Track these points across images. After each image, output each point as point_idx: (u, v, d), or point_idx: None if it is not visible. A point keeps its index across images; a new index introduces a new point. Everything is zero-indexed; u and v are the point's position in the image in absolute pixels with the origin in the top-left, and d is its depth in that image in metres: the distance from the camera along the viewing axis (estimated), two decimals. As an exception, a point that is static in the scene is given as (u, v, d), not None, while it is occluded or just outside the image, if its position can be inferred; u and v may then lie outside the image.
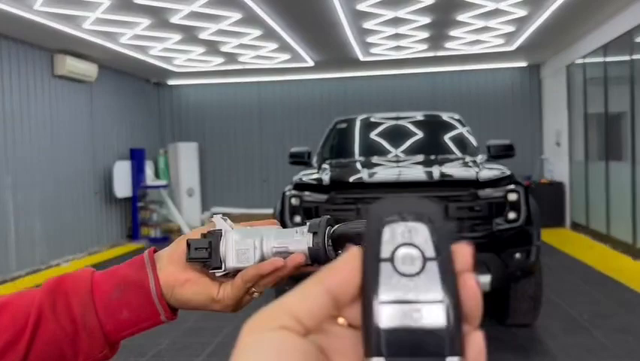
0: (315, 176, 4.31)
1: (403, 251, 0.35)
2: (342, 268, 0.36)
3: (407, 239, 0.35)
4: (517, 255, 3.85)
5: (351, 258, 0.36)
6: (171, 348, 4.07)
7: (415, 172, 4.40)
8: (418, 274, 0.35)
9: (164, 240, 9.10)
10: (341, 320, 0.37)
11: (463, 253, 0.37)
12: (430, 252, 0.35)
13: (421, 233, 0.35)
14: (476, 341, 0.36)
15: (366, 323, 0.35)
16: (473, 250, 0.37)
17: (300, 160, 5.26)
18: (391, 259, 0.35)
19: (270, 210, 9.67)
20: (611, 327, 4.27)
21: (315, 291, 0.35)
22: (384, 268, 0.35)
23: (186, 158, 10.43)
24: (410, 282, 0.35)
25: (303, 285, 0.36)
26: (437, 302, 0.34)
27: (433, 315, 0.34)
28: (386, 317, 0.34)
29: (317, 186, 4.08)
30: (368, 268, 0.35)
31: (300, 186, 4.13)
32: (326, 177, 4.18)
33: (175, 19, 6.56)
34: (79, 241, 8.01)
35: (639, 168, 6.52)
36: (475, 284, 0.36)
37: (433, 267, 0.35)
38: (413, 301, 0.34)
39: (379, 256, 0.35)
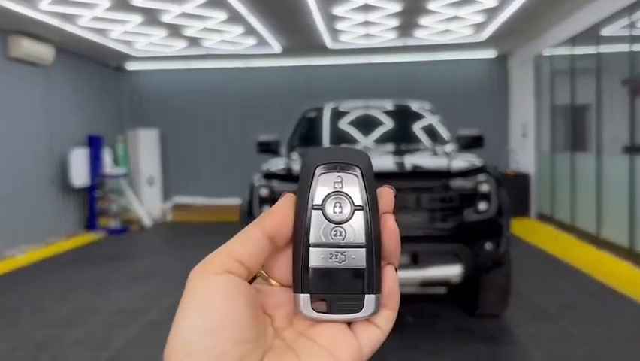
0: (285, 165, 4.20)
1: (333, 199, 0.39)
2: (278, 212, 0.39)
3: (337, 188, 0.39)
4: (488, 246, 3.84)
5: (285, 203, 0.40)
6: (135, 341, 3.91)
7: (386, 162, 4.34)
8: (345, 221, 0.38)
9: (123, 231, 8.82)
10: (274, 282, 0.42)
11: (386, 196, 0.40)
12: (359, 200, 0.38)
13: (350, 182, 0.39)
14: (390, 275, 0.40)
15: (296, 263, 0.39)
16: (394, 193, 0.41)
17: (269, 149, 5.13)
18: (322, 207, 0.38)
19: (234, 200, 9.53)
20: (576, 316, 4.35)
21: (255, 234, 0.39)
22: (315, 214, 0.39)
23: (147, 145, 10.13)
24: (338, 228, 0.38)
25: (244, 230, 0.39)
26: (360, 247, 0.38)
27: (356, 258, 0.38)
28: (314, 258, 0.38)
29: (287, 176, 3.97)
30: (300, 214, 0.39)
31: (270, 176, 4.01)
32: (296, 167, 4.08)
33: (136, 1, 6.29)
34: (35, 231, 7.68)
35: (604, 160, 6.62)
36: (394, 225, 0.40)
37: (360, 215, 0.38)
38: (339, 246, 0.38)
39: (312, 203, 0.39)
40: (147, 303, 4.87)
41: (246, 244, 0.39)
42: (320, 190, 0.39)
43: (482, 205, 3.84)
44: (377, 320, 0.41)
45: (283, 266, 0.41)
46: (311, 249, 0.39)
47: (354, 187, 0.39)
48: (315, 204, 0.39)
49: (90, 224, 8.90)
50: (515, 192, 8.67)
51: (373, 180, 0.40)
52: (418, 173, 4.03)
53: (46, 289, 5.45)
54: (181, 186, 10.60)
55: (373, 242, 0.38)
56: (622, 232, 6.14)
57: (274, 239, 0.39)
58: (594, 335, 3.94)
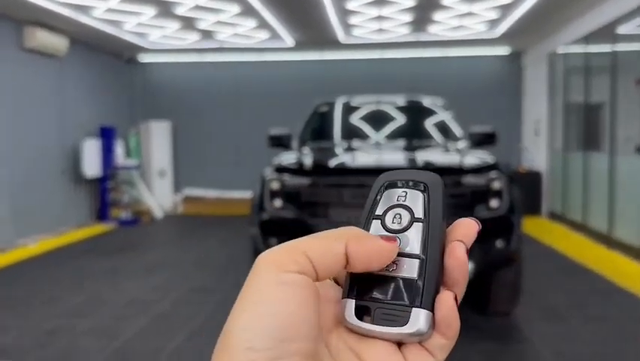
0: (297, 160, 4.20)
1: (394, 211, 0.39)
2: (367, 243, 0.37)
3: (400, 202, 0.39)
4: (499, 243, 3.82)
5: (380, 241, 0.37)
6: (145, 332, 3.94)
7: (397, 158, 4.33)
8: (403, 231, 0.38)
9: (134, 222, 8.88)
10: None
11: (466, 226, 0.38)
12: (419, 214, 0.38)
13: (415, 197, 0.39)
14: (448, 301, 0.37)
15: (348, 270, 0.38)
16: (478, 229, 0.39)
17: (280, 143, 5.12)
18: (382, 217, 0.39)
19: (245, 194, 9.55)
20: (586, 316, 4.33)
21: (339, 250, 0.36)
22: (374, 224, 0.39)
23: (158, 137, 10.17)
24: (394, 236, 0.38)
25: (328, 237, 0.37)
26: (414, 257, 0.37)
27: (408, 268, 0.37)
28: None
29: (298, 170, 3.97)
30: (362, 222, 0.39)
31: (281, 170, 4.01)
32: (308, 161, 4.07)
33: (150, -7, 6.31)
34: (46, 221, 7.75)
35: (617, 159, 6.56)
36: (462, 255, 0.37)
37: (418, 227, 0.38)
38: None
39: (373, 214, 0.39)
40: (157, 294, 4.90)
41: (326, 255, 0.36)
42: (383, 203, 0.39)
43: (494, 202, 3.82)
44: (431, 346, 0.38)
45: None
46: None
47: (417, 202, 0.39)
48: (376, 215, 0.39)
49: (101, 215, 8.96)
50: (527, 190, 8.62)
51: (442, 198, 0.39)
52: (430, 169, 4.00)
53: (58, 279, 5.50)
54: (192, 179, 10.64)
55: (428, 254, 0.37)
56: (634, 232, 6.09)
57: (349, 265, 0.37)
58: (604, 335, 3.92)
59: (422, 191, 0.39)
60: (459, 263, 0.37)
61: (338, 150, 4.62)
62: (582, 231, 7.48)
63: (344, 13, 7.33)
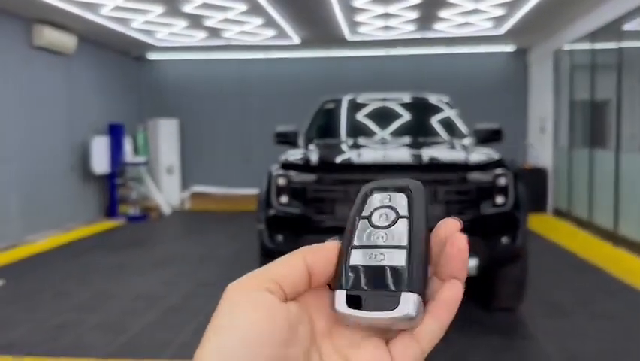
0: (303, 156, 4.23)
1: (380, 210, 0.41)
2: (321, 251, 0.40)
3: (385, 203, 0.41)
4: (504, 239, 3.83)
5: (331, 246, 0.40)
6: (152, 326, 3.99)
7: (403, 154, 4.35)
8: (388, 226, 0.40)
9: (143, 218, 8.94)
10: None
11: (451, 222, 0.40)
12: (404, 212, 0.40)
13: (398, 199, 0.41)
14: (454, 287, 0.38)
15: (338, 264, 0.40)
16: (461, 225, 0.40)
17: (287, 140, 5.15)
18: (369, 217, 0.41)
19: (252, 190, 9.59)
20: (592, 313, 4.32)
21: (298, 265, 0.39)
22: (362, 223, 0.41)
23: (166, 134, 10.23)
24: (381, 232, 0.40)
25: (286, 258, 0.39)
26: (401, 248, 0.39)
27: (395, 257, 0.39)
28: (354, 258, 0.39)
29: (305, 167, 4.00)
30: (348, 225, 0.41)
31: (287, 166, 4.04)
32: (314, 158, 4.10)
33: (158, -9, 6.35)
34: (55, 217, 7.82)
35: (623, 156, 6.55)
36: (464, 244, 0.38)
37: (403, 222, 0.40)
38: (380, 246, 0.39)
39: (360, 215, 0.41)
40: (165, 289, 4.94)
41: (288, 271, 0.38)
42: (369, 205, 0.41)
43: (499, 199, 3.83)
44: (420, 332, 0.39)
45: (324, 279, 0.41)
46: (352, 250, 0.39)
47: (401, 202, 0.41)
48: (363, 215, 0.41)
49: (110, 211, 9.03)
50: (532, 187, 8.62)
51: (424, 200, 0.41)
52: (435, 166, 4.03)
53: (67, 275, 5.56)
54: (199, 176, 10.69)
55: (414, 244, 0.39)
56: (639, 229, 6.08)
57: (313, 276, 0.39)
58: (609, 332, 3.92)
59: (405, 194, 0.41)
60: (459, 252, 0.39)
61: (344, 146, 4.64)
62: (588, 228, 7.47)
63: (350, 11, 7.35)
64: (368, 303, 0.38)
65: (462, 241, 0.39)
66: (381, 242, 0.39)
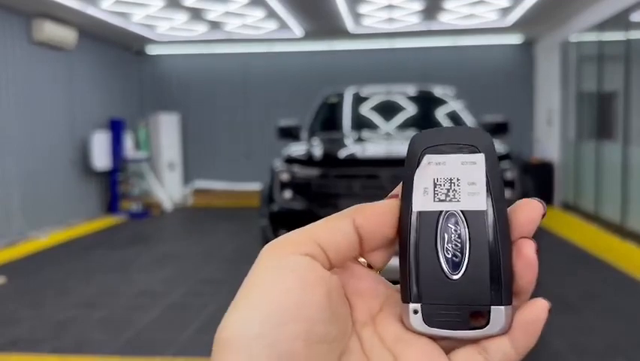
0: (306, 151, 4.17)
1: (443, 186, 0.33)
2: (373, 211, 0.34)
3: (451, 174, 0.33)
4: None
5: (387, 205, 0.34)
6: (156, 323, 3.95)
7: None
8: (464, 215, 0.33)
9: (145, 214, 8.90)
10: (361, 259, 0.36)
11: (528, 213, 0.33)
12: (480, 188, 0.33)
13: (469, 167, 0.33)
14: (539, 305, 0.32)
15: (404, 268, 0.33)
16: (543, 212, 0.33)
17: (289, 134, 5.10)
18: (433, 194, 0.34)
19: (255, 185, 9.55)
20: (599, 307, 4.29)
21: (345, 227, 0.33)
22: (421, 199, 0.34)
23: (168, 129, 10.18)
24: (452, 225, 0.33)
25: (331, 218, 0.34)
26: (481, 244, 0.32)
27: (479, 258, 0.32)
28: (424, 259, 0.33)
29: (308, 161, 3.95)
30: (406, 212, 0.34)
31: (291, 161, 3.99)
32: (318, 152, 4.05)
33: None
34: (57, 213, 7.79)
35: (630, 149, 6.47)
36: (532, 255, 0.32)
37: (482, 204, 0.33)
38: (455, 242, 0.33)
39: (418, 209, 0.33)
40: (168, 286, 4.91)
41: (334, 235, 0.33)
42: (425, 175, 0.34)
43: (506, 193, 3.78)
44: (493, 352, 0.33)
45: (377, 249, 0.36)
46: (422, 253, 0.34)
47: (472, 172, 0.33)
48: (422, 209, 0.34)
49: (111, 207, 9.00)
50: (539, 180, 8.56)
51: (498, 167, 0.34)
52: None
53: (69, 271, 5.53)
54: (201, 171, 10.66)
55: (500, 239, 0.32)
56: (648, 223, 6.01)
57: (362, 240, 0.34)
58: (618, 327, 3.88)
59: (477, 156, 0.34)
60: (529, 265, 0.32)
61: (348, 140, 4.59)
62: (595, 221, 7.40)
63: (353, 3, 7.27)
64: (450, 318, 0.33)
65: (530, 250, 0.32)
66: (455, 236, 0.33)
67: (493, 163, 0.33)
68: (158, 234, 7.79)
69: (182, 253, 6.29)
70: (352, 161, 4.00)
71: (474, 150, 0.34)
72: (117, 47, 9.68)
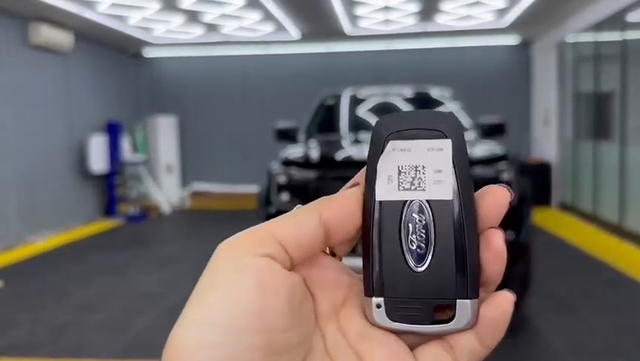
0: (303, 153, 4.17)
1: (407, 174, 0.32)
2: (341, 202, 0.32)
3: (416, 161, 0.32)
4: (509, 235, 3.78)
5: (353, 194, 0.33)
6: (154, 326, 3.95)
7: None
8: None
9: (142, 217, 8.89)
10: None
11: (496, 199, 0.31)
12: (447, 176, 0.31)
13: (435, 153, 0.32)
14: (503, 300, 0.31)
15: (367, 261, 0.32)
16: (510, 199, 0.32)
17: (287, 136, 5.10)
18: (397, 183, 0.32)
19: (253, 188, 9.55)
20: (598, 307, 4.30)
21: (311, 221, 0.31)
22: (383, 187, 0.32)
23: (165, 132, 10.16)
24: (416, 214, 0.32)
25: (296, 212, 0.32)
26: (447, 235, 0.31)
27: (444, 250, 0.31)
28: (387, 252, 0.32)
29: (305, 164, 3.95)
30: (370, 201, 0.32)
31: (288, 163, 3.99)
32: (315, 154, 4.05)
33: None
34: (54, 216, 7.78)
35: (628, 149, 6.48)
36: (500, 244, 0.31)
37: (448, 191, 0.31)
38: (419, 233, 0.31)
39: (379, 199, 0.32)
40: (166, 288, 4.90)
41: (297, 230, 0.31)
42: (389, 160, 0.33)
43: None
44: (460, 348, 0.32)
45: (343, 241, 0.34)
46: (384, 240, 0.32)
47: (438, 157, 0.32)
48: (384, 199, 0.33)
49: (109, 210, 8.98)
50: (537, 180, 8.57)
51: (465, 149, 0.32)
52: None
53: (67, 275, 5.52)
54: (199, 173, 10.65)
55: (466, 231, 0.31)
56: (646, 222, 6.02)
57: (329, 234, 0.32)
58: (616, 326, 3.88)
59: (443, 140, 0.32)
60: (497, 256, 0.31)
61: (345, 142, 4.59)
62: (593, 221, 7.41)
63: (350, 5, 7.28)
64: (414, 312, 0.32)
65: (498, 240, 0.31)
66: (419, 226, 0.32)
67: (461, 149, 0.32)
68: (156, 237, 7.77)
69: (180, 256, 6.28)
70: (349, 163, 4.00)
71: (440, 135, 0.32)
72: (114, 50, 9.68)
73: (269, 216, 3.87)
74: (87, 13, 7.28)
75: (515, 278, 4.04)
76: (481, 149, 4.09)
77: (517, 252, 3.87)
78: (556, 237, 6.83)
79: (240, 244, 0.31)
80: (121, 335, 3.81)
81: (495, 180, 3.78)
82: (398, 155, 0.32)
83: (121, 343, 3.68)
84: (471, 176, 0.32)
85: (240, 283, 0.29)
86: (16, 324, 4.08)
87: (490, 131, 4.91)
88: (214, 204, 10.06)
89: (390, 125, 0.33)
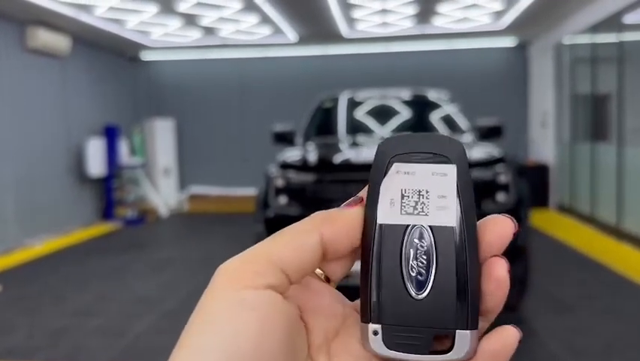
0: (301, 156, 4.17)
1: (410, 198, 0.31)
2: (341, 222, 0.31)
3: (419, 186, 0.31)
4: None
5: (354, 214, 0.32)
6: (152, 330, 3.94)
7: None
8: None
9: (140, 221, 8.88)
10: (318, 271, 0.33)
11: (499, 230, 0.31)
12: (450, 202, 0.31)
13: (438, 179, 0.31)
14: (508, 334, 0.30)
15: (365, 286, 0.31)
16: (515, 230, 0.31)
17: (284, 139, 5.10)
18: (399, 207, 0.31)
19: (250, 191, 9.54)
20: (596, 308, 4.29)
21: (312, 242, 0.30)
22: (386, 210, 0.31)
23: (163, 135, 10.16)
24: (417, 241, 0.31)
25: (297, 231, 0.31)
26: (449, 263, 0.30)
27: (444, 280, 0.30)
28: (386, 277, 0.31)
29: (303, 167, 3.95)
30: (371, 225, 0.31)
31: (286, 166, 3.99)
32: (313, 157, 4.05)
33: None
34: (52, 220, 7.76)
35: (625, 150, 6.50)
36: (504, 275, 0.30)
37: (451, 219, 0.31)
38: (420, 259, 0.31)
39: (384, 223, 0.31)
40: (165, 292, 4.89)
41: (299, 254, 0.30)
42: (392, 184, 0.32)
43: (500, 196, 3.78)
44: None
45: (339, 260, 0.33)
46: (383, 264, 0.31)
47: (442, 183, 0.31)
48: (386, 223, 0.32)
49: (107, 214, 8.97)
50: (534, 182, 8.58)
51: (470, 180, 0.31)
52: None
53: (65, 279, 5.51)
54: (197, 177, 10.64)
55: (468, 258, 0.30)
56: (643, 224, 6.03)
57: (327, 253, 0.31)
58: (614, 328, 3.88)
59: (448, 167, 0.32)
60: (499, 286, 0.31)
61: (343, 145, 4.59)
62: (590, 223, 7.42)
63: (347, 7, 7.29)
64: (412, 341, 0.31)
65: (502, 270, 0.31)
66: (421, 252, 0.31)
67: (465, 175, 0.31)
68: (154, 240, 7.76)
69: (178, 259, 6.27)
70: (347, 166, 4.00)
71: (445, 160, 0.32)
72: (111, 54, 9.67)
73: (267, 220, 3.87)
74: (84, 17, 7.28)
75: (513, 280, 4.03)
76: (478, 151, 4.09)
77: (515, 254, 3.88)
78: (553, 238, 6.83)
79: (240, 275, 0.30)
80: (119, 339, 3.81)
81: (493, 182, 3.78)
82: (402, 178, 0.32)
83: (119, 347, 3.67)
84: (474, 204, 0.31)
85: (239, 320, 0.28)
86: (14, 328, 4.07)
87: (488, 134, 4.91)
88: (212, 207, 10.05)
89: (395, 147, 0.32)
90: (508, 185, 3.79)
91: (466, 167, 0.32)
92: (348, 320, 0.33)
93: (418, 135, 0.33)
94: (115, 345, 3.70)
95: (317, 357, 0.32)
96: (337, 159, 4.16)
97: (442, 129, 5.07)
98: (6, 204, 6.89)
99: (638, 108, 6.36)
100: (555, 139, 9.00)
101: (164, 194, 9.94)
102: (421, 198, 0.31)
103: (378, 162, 0.33)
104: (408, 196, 0.32)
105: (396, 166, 0.32)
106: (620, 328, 3.89)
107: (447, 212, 0.31)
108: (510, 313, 4.18)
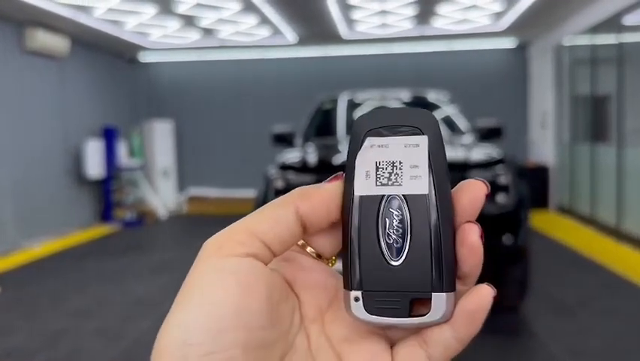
0: (300, 157, 4.16)
1: (385, 170, 0.33)
2: (318, 197, 0.33)
3: (392, 157, 0.32)
4: (507, 239, 3.77)
5: (331, 188, 0.33)
6: (151, 332, 3.92)
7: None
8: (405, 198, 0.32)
9: (139, 223, 8.86)
10: (309, 249, 0.35)
11: (473, 193, 0.32)
12: (422, 171, 0.32)
13: (412, 150, 0.33)
14: (483, 293, 0.31)
15: (346, 255, 0.33)
16: (487, 192, 0.32)
17: (284, 140, 5.09)
18: (375, 178, 0.33)
19: (250, 192, 9.53)
20: (596, 310, 4.29)
21: (288, 217, 0.32)
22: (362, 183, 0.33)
23: (162, 137, 10.14)
24: (395, 209, 0.33)
25: (274, 207, 0.33)
26: (424, 228, 0.32)
27: (420, 243, 0.32)
28: (365, 246, 0.32)
29: (302, 168, 3.94)
30: (349, 197, 0.33)
31: (285, 168, 3.98)
32: (312, 159, 4.04)
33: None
34: (50, 222, 7.74)
35: (625, 151, 6.49)
36: (475, 239, 0.31)
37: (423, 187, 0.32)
38: (397, 228, 0.32)
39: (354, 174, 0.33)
40: (163, 294, 4.88)
41: (276, 226, 0.32)
42: (366, 158, 0.34)
43: (500, 198, 3.78)
44: (434, 341, 0.32)
45: (322, 232, 0.34)
46: (363, 239, 0.33)
47: (415, 155, 0.33)
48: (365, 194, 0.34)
49: (105, 216, 8.95)
50: (534, 183, 8.57)
51: (442, 145, 0.33)
52: None
53: (64, 281, 5.49)
54: (196, 178, 10.62)
55: (442, 223, 0.32)
56: (643, 225, 6.02)
57: (305, 227, 0.33)
58: (614, 329, 3.88)
59: (419, 137, 0.33)
60: (472, 250, 0.32)
61: (342, 146, 4.59)
62: (590, 224, 7.41)
63: (346, 8, 7.28)
64: (391, 305, 0.32)
65: (474, 236, 0.32)
66: (396, 221, 0.32)
67: (437, 145, 0.33)
68: (153, 242, 7.75)
69: (177, 261, 6.26)
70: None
71: (417, 131, 0.33)
72: (110, 55, 9.66)
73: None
74: (83, 19, 7.27)
75: (513, 281, 4.03)
76: (478, 152, 4.08)
77: (515, 255, 3.87)
78: (553, 240, 6.83)
79: (223, 245, 0.32)
80: (118, 341, 3.79)
81: (493, 184, 3.78)
82: (376, 151, 0.33)
83: (118, 350, 3.66)
84: (447, 171, 0.33)
85: (221, 284, 0.30)
86: (13, 330, 4.05)
87: (488, 135, 4.91)
88: (211, 208, 10.04)
89: (369, 122, 0.34)
90: (508, 186, 3.78)
91: (439, 137, 0.33)
92: (340, 293, 0.35)
93: (391, 110, 0.34)
94: (114, 347, 3.69)
95: (310, 329, 0.34)
96: (336, 160, 4.15)
97: (441, 130, 5.06)
98: (4, 205, 6.88)
99: (637, 109, 6.36)
100: (555, 140, 9.00)
101: (163, 196, 9.93)
102: (395, 169, 0.33)
103: (354, 138, 0.34)
104: (382, 168, 0.33)
105: (369, 140, 0.33)
106: (620, 329, 3.88)
107: (419, 181, 0.32)
108: (511, 314, 4.18)
